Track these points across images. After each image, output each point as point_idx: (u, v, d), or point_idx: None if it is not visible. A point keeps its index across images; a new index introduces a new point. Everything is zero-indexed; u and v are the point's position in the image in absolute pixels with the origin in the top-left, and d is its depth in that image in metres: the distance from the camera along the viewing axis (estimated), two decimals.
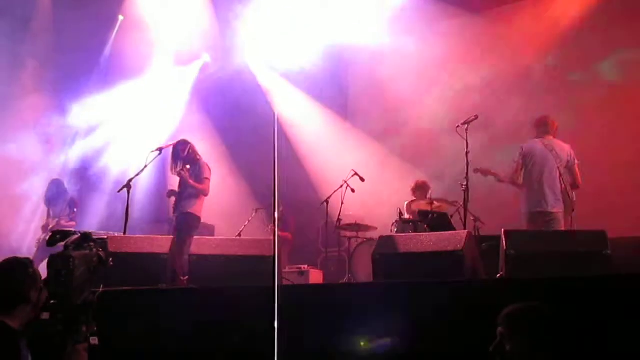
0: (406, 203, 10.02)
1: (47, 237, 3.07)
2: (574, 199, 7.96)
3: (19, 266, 3.68)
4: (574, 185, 8.03)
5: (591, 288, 4.88)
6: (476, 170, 8.11)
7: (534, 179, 7.98)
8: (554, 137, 8.21)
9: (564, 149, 8.08)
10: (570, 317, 3.28)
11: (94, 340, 2.99)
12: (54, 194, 9.82)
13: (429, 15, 11.61)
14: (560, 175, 7.92)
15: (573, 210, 7.96)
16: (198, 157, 8.42)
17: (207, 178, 8.29)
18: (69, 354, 2.92)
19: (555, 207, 7.87)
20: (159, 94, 12.63)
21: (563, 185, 7.91)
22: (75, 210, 9.81)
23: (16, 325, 3.51)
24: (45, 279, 3.03)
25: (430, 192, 10.03)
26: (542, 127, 8.24)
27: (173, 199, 8.40)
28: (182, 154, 8.36)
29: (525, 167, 8.08)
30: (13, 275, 3.60)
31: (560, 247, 6.11)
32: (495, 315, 3.19)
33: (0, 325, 3.46)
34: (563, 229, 7.79)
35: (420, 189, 10.09)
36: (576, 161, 8.05)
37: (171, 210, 8.45)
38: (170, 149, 8.47)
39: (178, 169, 8.29)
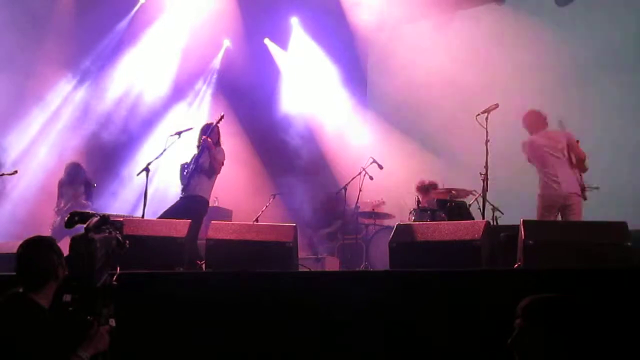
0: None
1: (65, 219, 3.08)
2: (583, 184, 8.12)
3: (46, 243, 3.73)
4: (580, 164, 8.13)
5: (611, 280, 4.83)
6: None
7: (546, 164, 8.09)
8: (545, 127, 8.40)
9: (560, 135, 8.26)
10: (590, 310, 3.24)
11: (112, 322, 3.02)
12: (71, 177, 9.85)
13: (451, 1, 11.55)
14: (569, 159, 8.08)
15: (585, 198, 8.06)
16: (220, 143, 8.50)
17: (221, 161, 8.35)
18: (92, 335, 2.95)
19: (576, 187, 7.99)
20: (180, 80, 12.67)
21: (574, 169, 8.07)
22: (94, 185, 9.86)
23: (46, 303, 3.56)
24: (66, 257, 3.04)
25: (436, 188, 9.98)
26: (530, 126, 8.40)
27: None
28: (211, 133, 8.40)
29: (530, 159, 8.28)
30: (42, 253, 3.65)
31: (580, 238, 6.04)
32: (512, 306, 3.16)
33: (32, 305, 3.51)
34: (580, 212, 7.93)
35: (423, 190, 10.02)
36: (576, 140, 8.18)
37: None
38: (203, 126, 8.58)
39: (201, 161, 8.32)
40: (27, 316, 3.46)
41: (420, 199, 9.85)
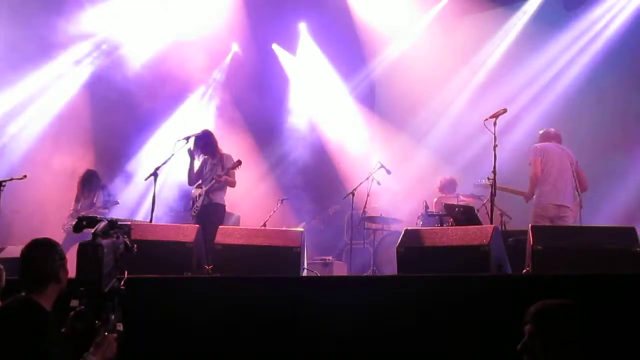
0: (435, 200, 10.01)
1: (74, 223, 3.08)
2: (580, 197, 8.29)
3: (49, 246, 3.73)
4: (582, 188, 8.30)
5: (620, 286, 4.81)
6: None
7: (552, 174, 8.14)
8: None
9: (571, 153, 8.36)
10: (599, 315, 3.23)
11: (119, 327, 3.01)
12: (87, 184, 9.89)
13: (458, 7, 11.55)
14: (573, 172, 8.19)
15: (581, 207, 8.23)
16: (220, 150, 8.56)
17: (232, 170, 8.43)
18: (99, 342, 2.94)
19: (571, 202, 8.08)
20: (188, 84, 12.66)
21: (575, 182, 8.16)
22: (112, 199, 9.89)
23: (48, 305, 3.56)
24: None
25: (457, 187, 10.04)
26: (547, 137, 8.50)
27: (197, 190, 8.51)
28: (205, 145, 8.52)
29: (542, 164, 8.23)
30: (45, 255, 3.66)
31: (589, 243, 6.02)
32: (520, 311, 3.15)
33: (35, 307, 3.51)
34: (570, 223, 7.98)
35: (447, 186, 10.10)
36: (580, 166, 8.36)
37: (197, 198, 8.55)
38: (194, 138, 8.62)
39: (215, 174, 8.46)
40: (29, 318, 3.46)
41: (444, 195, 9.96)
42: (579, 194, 8.20)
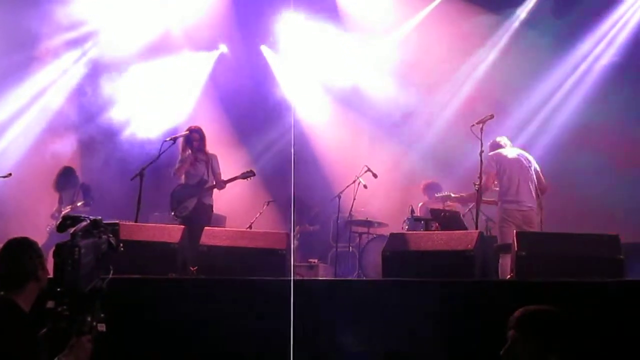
0: (420, 204, 10.03)
1: (58, 223, 3.04)
2: (540, 199, 8.23)
3: (27, 244, 3.70)
4: (542, 190, 8.24)
5: (603, 293, 4.84)
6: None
7: (512, 180, 8.09)
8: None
9: (526, 154, 8.35)
10: (582, 322, 3.24)
11: (102, 327, 2.96)
12: (64, 181, 9.81)
13: (447, 12, 11.60)
14: (532, 173, 8.14)
15: (542, 209, 8.15)
16: (207, 149, 8.59)
17: (220, 173, 8.57)
18: (72, 345, 2.89)
19: (532, 204, 8.05)
20: (174, 82, 12.59)
21: (535, 185, 8.12)
22: (92, 196, 9.81)
23: (27, 305, 3.52)
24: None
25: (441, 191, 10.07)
26: (496, 145, 8.44)
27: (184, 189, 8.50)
28: (196, 142, 8.53)
29: (499, 173, 8.17)
30: (23, 253, 3.63)
31: (572, 250, 6.05)
32: (504, 317, 3.16)
33: (13, 307, 3.47)
34: (536, 226, 7.96)
35: (430, 190, 10.13)
36: (539, 167, 8.32)
37: (185, 198, 8.54)
38: (184, 136, 8.65)
39: (207, 176, 8.61)
40: (6, 318, 3.42)
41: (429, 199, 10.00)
42: (539, 195, 8.13)
